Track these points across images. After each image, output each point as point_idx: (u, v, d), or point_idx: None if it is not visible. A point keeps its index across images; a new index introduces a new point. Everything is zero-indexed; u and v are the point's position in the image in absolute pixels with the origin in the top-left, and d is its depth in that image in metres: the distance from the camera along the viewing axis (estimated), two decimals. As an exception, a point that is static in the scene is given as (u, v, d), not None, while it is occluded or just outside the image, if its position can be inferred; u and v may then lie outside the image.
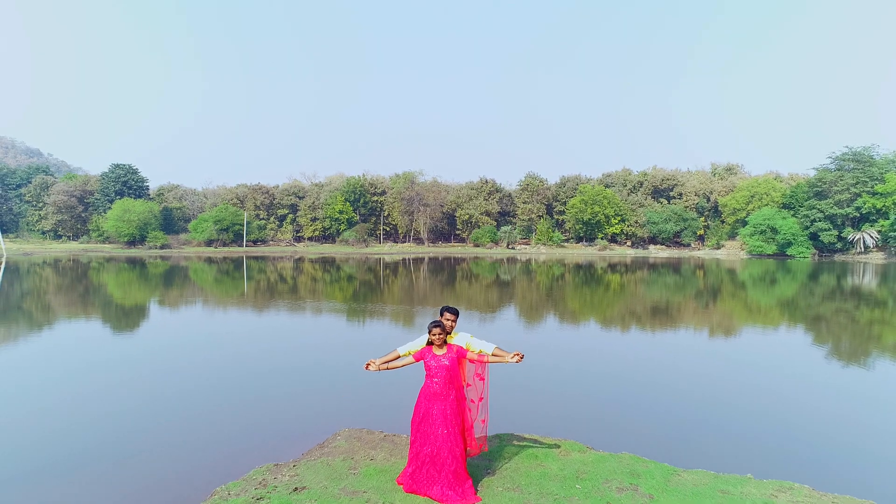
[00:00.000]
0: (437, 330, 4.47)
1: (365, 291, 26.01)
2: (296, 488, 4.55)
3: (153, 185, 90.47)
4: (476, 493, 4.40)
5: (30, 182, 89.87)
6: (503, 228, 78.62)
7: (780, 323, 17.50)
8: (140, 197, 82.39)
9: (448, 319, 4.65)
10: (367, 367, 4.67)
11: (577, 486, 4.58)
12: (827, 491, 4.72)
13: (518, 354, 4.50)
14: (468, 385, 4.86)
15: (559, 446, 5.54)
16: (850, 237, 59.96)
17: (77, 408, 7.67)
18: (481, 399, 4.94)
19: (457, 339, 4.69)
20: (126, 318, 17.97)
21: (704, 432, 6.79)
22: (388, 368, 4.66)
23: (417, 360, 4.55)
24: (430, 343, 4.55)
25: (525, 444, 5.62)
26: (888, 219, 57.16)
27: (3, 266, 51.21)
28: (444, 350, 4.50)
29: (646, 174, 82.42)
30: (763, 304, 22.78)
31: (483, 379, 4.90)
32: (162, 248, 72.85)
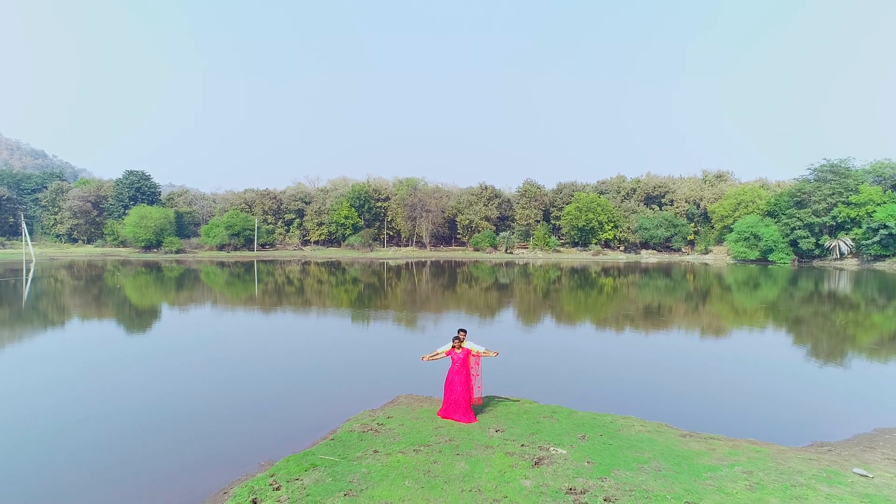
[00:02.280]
0: (457, 341, 9.51)
1: (379, 297, 31.01)
2: (388, 416, 9.58)
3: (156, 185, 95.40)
4: (475, 418, 9.43)
5: (45, 188, 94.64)
6: (502, 234, 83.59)
7: (718, 317, 22.53)
8: (153, 202, 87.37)
9: (461, 335, 9.68)
10: (422, 359, 9.72)
11: (524, 416, 9.63)
12: (649, 419, 9.75)
13: (496, 352, 9.57)
14: (472, 367, 9.87)
15: (519, 401, 10.61)
16: (826, 244, 65.13)
17: (201, 378, 12.67)
18: (477, 375, 9.96)
19: (466, 343, 9.72)
20: (190, 315, 22.96)
21: (599, 392, 11.84)
22: (433, 360, 9.71)
23: (448, 355, 9.58)
24: (453, 346, 9.58)
25: (501, 399, 10.68)
26: (861, 228, 62.26)
27: (32, 270, 56.30)
28: (461, 350, 9.53)
29: (639, 181, 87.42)
30: (726, 305, 27.81)
31: (479, 364, 9.93)
32: (177, 252, 77.87)
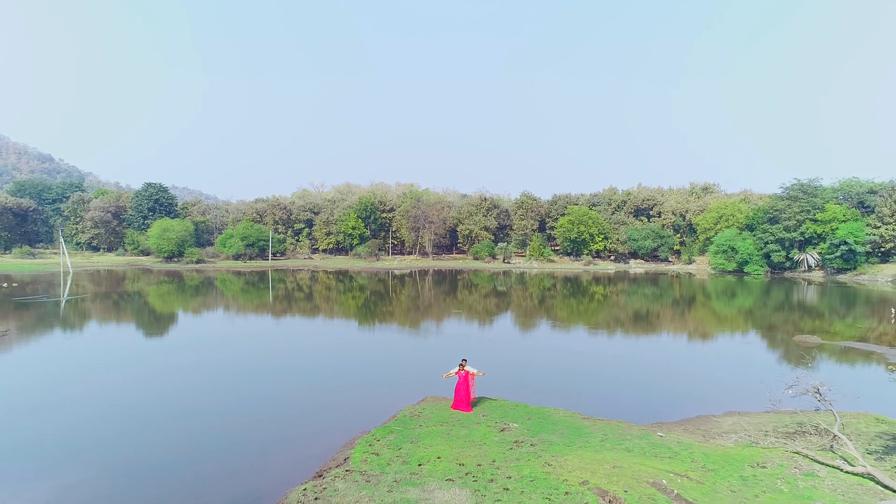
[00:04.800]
0: (460, 367, 17.55)
1: (392, 306, 38.92)
2: (423, 409, 17.60)
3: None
4: (472, 409, 17.45)
5: (65, 197, 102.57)
6: (500, 244, 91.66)
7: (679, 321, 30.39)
8: (170, 213, 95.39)
9: (464, 362, 17.71)
10: (442, 377, 17.80)
11: (499, 408, 17.64)
12: (570, 409, 17.74)
13: (483, 373, 17.67)
14: (470, 380, 17.87)
15: (497, 399, 18.66)
16: (796, 258, 73.25)
17: (296, 370, 20.60)
18: (473, 385, 17.98)
19: (467, 367, 17.75)
20: (243, 321, 30.80)
21: (546, 390, 19.80)
22: (448, 377, 17.78)
23: (456, 374, 17.61)
24: (459, 369, 17.60)
25: (487, 399, 18.71)
26: (826, 243, 70.33)
27: (70, 279, 64.35)
28: (465, 371, 17.56)
29: (629, 193, 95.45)
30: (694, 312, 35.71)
31: (474, 379, 17.97)
32: (197, 262, 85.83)
